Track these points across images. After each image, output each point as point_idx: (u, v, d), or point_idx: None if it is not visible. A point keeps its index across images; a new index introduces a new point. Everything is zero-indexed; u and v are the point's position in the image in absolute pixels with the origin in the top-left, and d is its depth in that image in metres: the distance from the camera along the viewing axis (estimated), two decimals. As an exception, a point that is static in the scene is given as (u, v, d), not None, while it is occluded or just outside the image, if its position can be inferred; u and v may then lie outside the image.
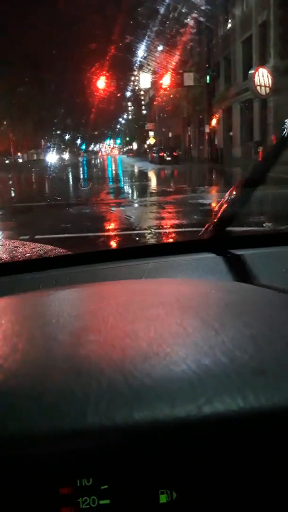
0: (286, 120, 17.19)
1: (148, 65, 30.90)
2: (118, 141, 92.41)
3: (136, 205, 10.35)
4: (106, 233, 6.32)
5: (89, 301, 0.83)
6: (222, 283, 1.02)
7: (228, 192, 1.27)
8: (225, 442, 0.50)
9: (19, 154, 48.62)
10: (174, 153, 30.30)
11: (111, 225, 7.24)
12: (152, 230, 6.24)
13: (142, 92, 53.46)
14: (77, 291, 0.91)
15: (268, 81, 20.55)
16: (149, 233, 5.95)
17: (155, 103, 43.92)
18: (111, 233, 6.43)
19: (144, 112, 59.49)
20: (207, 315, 0.67)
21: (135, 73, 33.69)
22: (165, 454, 0.50)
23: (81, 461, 0.49)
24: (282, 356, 0.56)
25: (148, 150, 43.25)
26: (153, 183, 17.48)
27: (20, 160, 48.49)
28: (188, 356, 0.55)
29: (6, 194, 14.96)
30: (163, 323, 0.65)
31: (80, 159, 57.81)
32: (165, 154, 29.69)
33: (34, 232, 5.76)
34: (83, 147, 75.86)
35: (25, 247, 1.37)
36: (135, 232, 6.15)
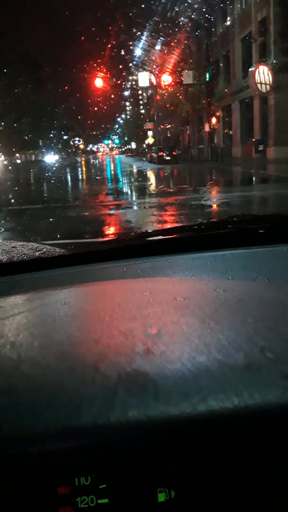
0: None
1: (147, 63, 30.61)
2: (117, 140, 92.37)
3: (135, 207, 10.01)
4: (104, 240, 5.96)
5: (86, 301, 0.84)
6: (219, 282, 1.01)
7: None
8: (221, 439, 0.49)
9: (17, 155, 48.40)
10: (174, 153, 29.92)
11: (110, 230, 6.89)
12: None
13: (140, 92, 53.26)
14: (74, 290, 0.91)
15: (269, 78, 20.26)
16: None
17: (154, 102, 43.63)
18: (110, 239, 6.07)
19: (142, 111, 59.33)
20: (203, 313, 0.67)
21: (134, 72, 33.43)
22: (162, 452, 0.49)
23: (78, 460, 0.49)
24: (277, 354, 0.55)
25: (146, 150, 42.94)
26: (153, 184, 17.14)
27: (19, 161, 48.29)
28: (183, 354, 0.55)
29: (3, 196, 14.64)
30: (159, 322, 0.65)
31: (79, 159, 57.73)
32: (164, 154, 29.32)
33: (27, 240, 5.40)
34: (82, 147, 75.71)
35: (22, 248, 1.34)
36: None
